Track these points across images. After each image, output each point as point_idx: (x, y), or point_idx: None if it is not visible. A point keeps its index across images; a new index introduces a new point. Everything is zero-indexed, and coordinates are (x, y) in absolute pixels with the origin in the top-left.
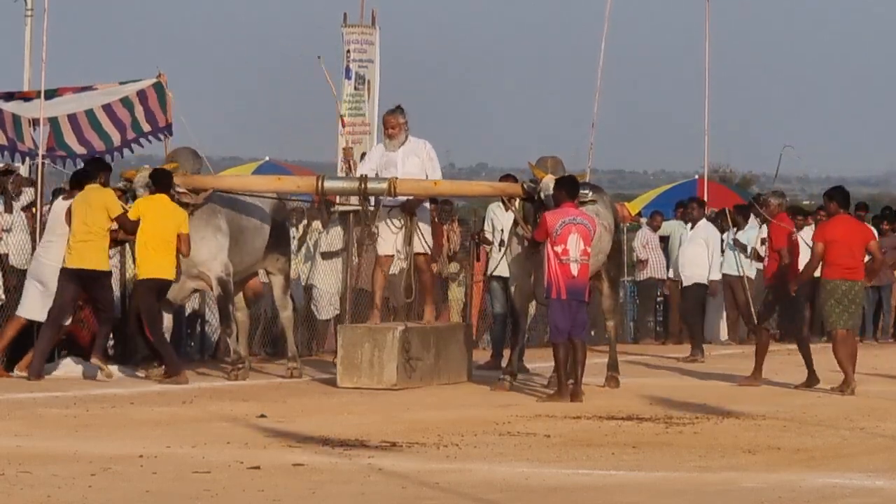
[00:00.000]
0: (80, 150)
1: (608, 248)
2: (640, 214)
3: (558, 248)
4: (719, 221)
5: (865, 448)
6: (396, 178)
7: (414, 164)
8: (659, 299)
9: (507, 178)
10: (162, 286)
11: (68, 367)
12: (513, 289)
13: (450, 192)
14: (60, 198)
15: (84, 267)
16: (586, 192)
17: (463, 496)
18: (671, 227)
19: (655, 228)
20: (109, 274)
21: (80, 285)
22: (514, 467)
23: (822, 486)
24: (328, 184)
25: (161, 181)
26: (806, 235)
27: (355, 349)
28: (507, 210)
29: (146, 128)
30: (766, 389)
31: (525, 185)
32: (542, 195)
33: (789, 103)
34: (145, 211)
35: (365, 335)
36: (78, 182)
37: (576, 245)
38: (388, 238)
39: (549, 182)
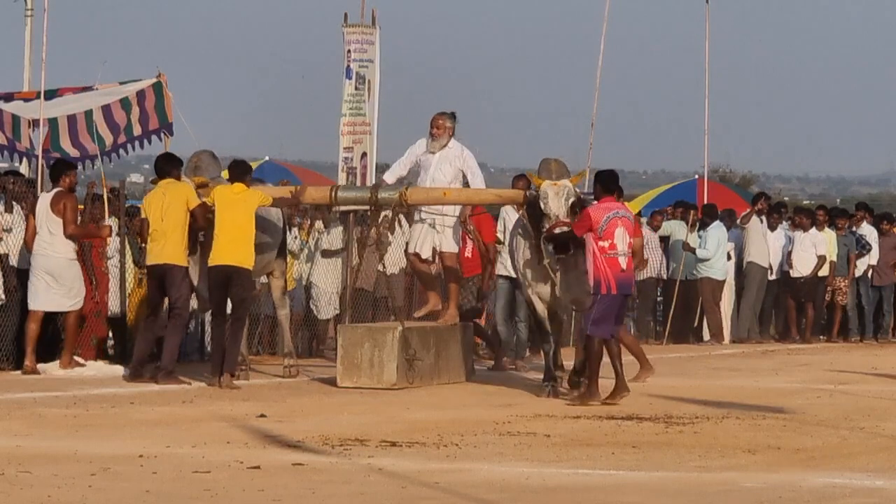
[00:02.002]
0: (73, 152)
1: None
2: (640, 214)
3: (605, 244)
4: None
5: (865, 448)
6: (407, 188)
7: (445, 172)
8: (659, 299)
9: (521, 178)
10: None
11: (100, 368)
12: (530, 292)
13: (456, 200)
14: (44, 192)
15: (160, 262)
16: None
17: (463, 496)
18: (671, 226)
19: (655, 228)
20: (184, 270)
21: (159, 281)
22: (514, 467)
23: (822, 486)
24: (342, 194)
25: (235, 172)
26: (808, 236)
27: (355, 349)
28: (517, 211)
29: (137, 131)
30: (766, 389)
31: (527, 193)
32: (541, 202)
33: (789, 103)
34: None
35: (365, 335)
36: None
37: (622, 238)
38: (416, 236)
39: (546, 189)
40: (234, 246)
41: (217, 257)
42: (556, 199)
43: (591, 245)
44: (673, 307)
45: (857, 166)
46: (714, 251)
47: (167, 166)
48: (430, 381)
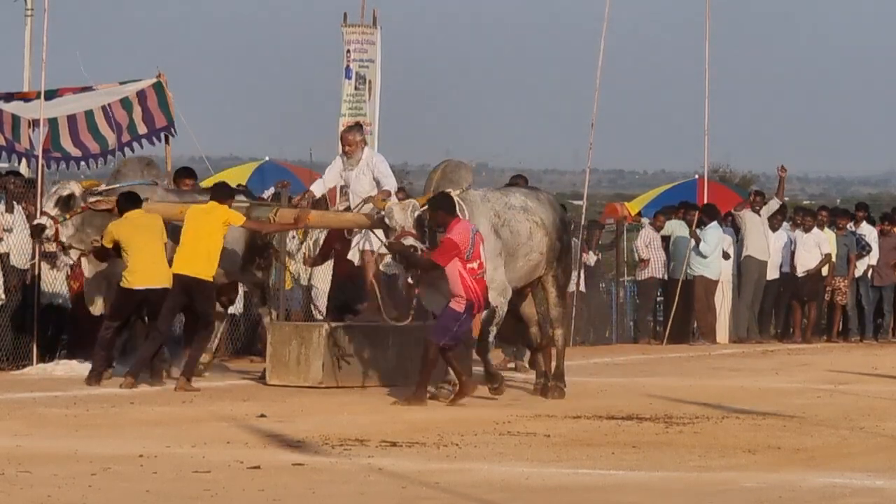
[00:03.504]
0: (75, 152)
1: (542, 246)
2: (640, 214)
3: (473, 265)
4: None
5: (865, 448)
6: (277, 209)
7: (364, 183)
8: (659, 299)
9: (518, 178)
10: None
11: (69, 367)
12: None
13: (318, 223)
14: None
15: (188, 274)
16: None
17: (463, 496)
18: (673, 226)
19: (658, 228)
20: (210, 283)
21: (185, 293)
22: (514, 467)
23: (822, 486)
24: (253, 213)
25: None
26: (810, 235)
27: (283, 347)
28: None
29: (142, 130)
30: (766, 389)
31: (375, 214)
32: (386, 219)
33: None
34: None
35: (293, 333)
36: None
37: (483, 255)
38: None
39: (391, 206)
40: (195, 257)
41: (179, 266)
42: (401, 213)
43: (456, 268)
44: (675, 307)
45: (857, 166)
46: (713, 249)
47: (217, 194)
48: (360, 381)
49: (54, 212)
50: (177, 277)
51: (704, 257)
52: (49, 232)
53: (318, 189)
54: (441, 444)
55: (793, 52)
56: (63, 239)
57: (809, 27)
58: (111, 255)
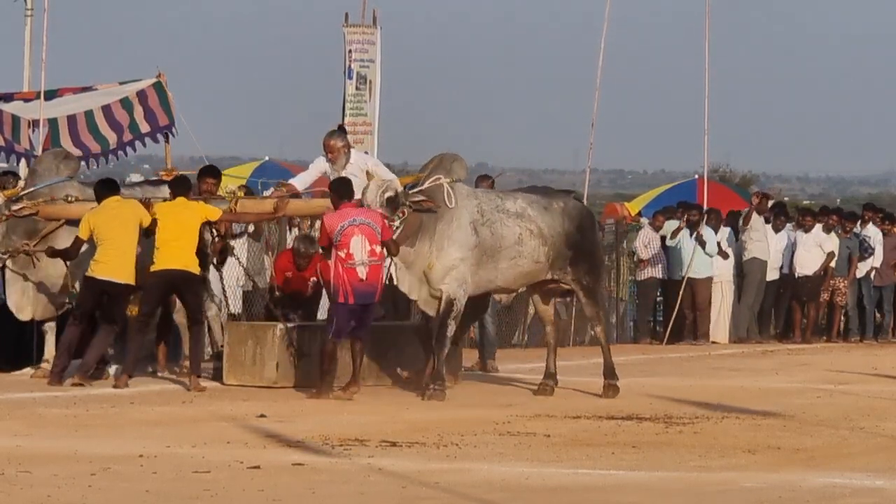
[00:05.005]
0: (76, 152)
1: (538, 254)
2: (640, 214)
3: (342, 253)
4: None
5: (865, 448)
6: (237, 199)
7: (355, 184)
8: (659, 299)
9: (484, 178)
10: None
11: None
12: (417, 299)
13: (296, 212)
14: None
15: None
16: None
17: (463, 496)
18: (673, 227)
19: (657, 228)
20: (198, 276)
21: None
22: (514, 467)
23: (822, 486)
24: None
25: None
26: (811, 235)
27: (239, 346)
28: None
29: (144, 128)
30: (766, 389)
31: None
32: (362, 194)
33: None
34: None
35: (248, 333)
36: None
37: (361, 247)
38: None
39: (370, 182)
40: (178, 252)
41: (162, 262)
42: (373, 191)
43: (333, 253)
44: (678, 307)
45: (857, 166)
46: (713, 250)
47: (180, 188)
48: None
49: None
50: (161, 273)
51: (711, 257)
52: None
53: (298, 183)
54: (441, 444)
55: (793, 52)
56: None
57: (809, 27)
58: (74, 252)
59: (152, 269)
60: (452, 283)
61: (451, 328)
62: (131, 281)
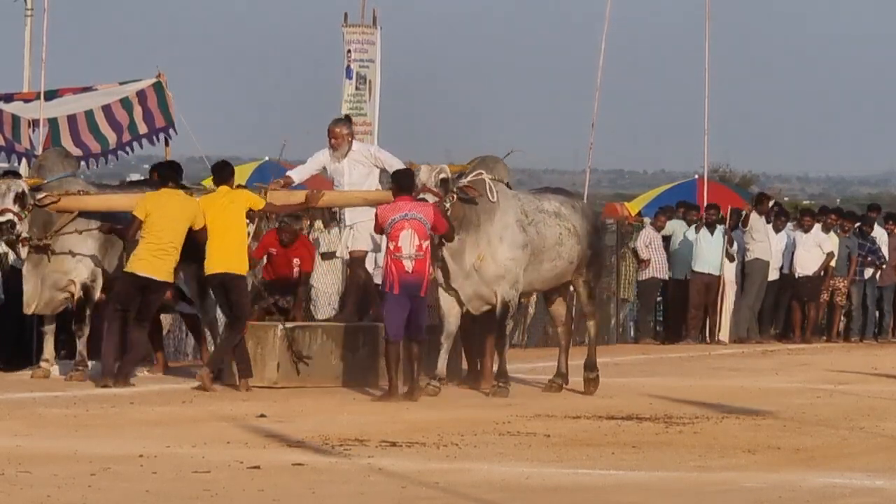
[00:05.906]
0: (76, 151)
1: (573, 255)
2: (640, 214)
3: (391, 245)
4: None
5: (865, 448)
6: (266, 189)
7: (360, 172)
8: (659, 299)
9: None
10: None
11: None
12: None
13: (327, 202)
14: None
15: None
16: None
17: (463, 496)
18: (674, 226)
19: (659, 228)
20: (244, 278)
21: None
22: (514, 467)
23: (822, 486)
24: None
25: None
26: (811, 235)
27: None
28: None
29: (143, 129)
30: (766, 389)
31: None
32: (416, 178)
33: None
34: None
35: (249, 333)
36: None
37: (409, 241)
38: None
39: (421, 166)
40: (225, 253)
41: (212, 266)
42: (427, 172)
43: (385, 243)
44: (689, 307)
45: (857, 166)
46: (713, 249)
47: (223, 173)
48: (321, 381)
49: (16, 208)
50: (212, 277)
51: (732, 261)
52: (20, 228)
53: (297, 175)
54: (441, 444)
55: (793, 52)
56: (26, 235)
57: (810, 27)
58: (132, 232)
59: (206, 272)
60: (505, 286)
61: (510, 326)
62: (169, 279)
